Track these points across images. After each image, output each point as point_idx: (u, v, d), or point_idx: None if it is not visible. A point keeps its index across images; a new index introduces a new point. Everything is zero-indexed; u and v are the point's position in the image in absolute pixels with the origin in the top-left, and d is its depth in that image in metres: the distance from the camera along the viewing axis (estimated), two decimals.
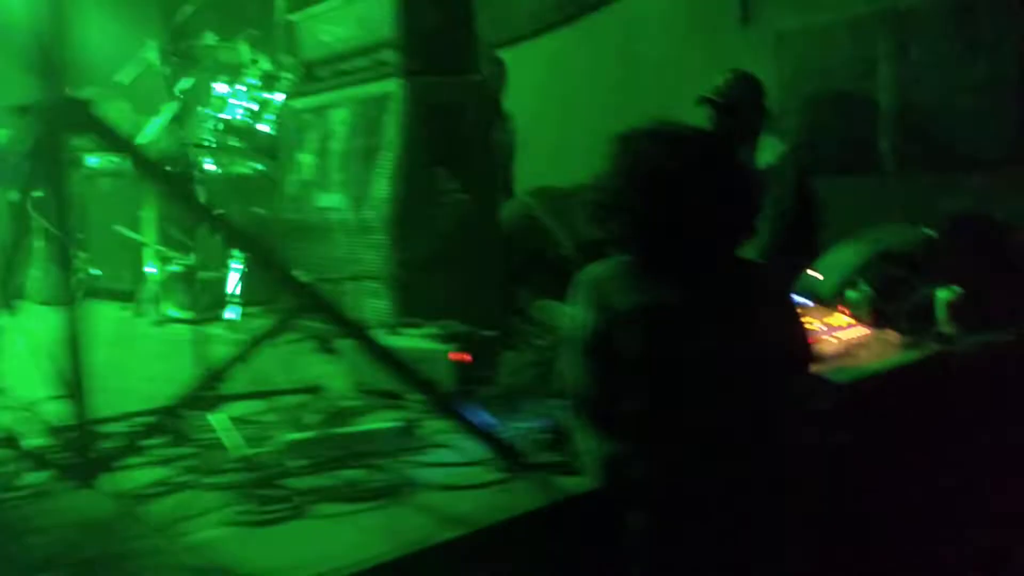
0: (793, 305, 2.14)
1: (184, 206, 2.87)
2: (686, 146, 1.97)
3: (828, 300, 3.51)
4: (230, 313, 4.24)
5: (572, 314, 2.04)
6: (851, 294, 3.48)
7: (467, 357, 2.80)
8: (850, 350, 3.03)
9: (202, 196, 4.67)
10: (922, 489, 2.53)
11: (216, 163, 4.97)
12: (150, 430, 2.24)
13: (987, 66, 4.26)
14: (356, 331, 2.19)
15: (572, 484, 2.11)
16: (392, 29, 3.40)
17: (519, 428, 2.39)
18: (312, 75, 3.95)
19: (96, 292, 5.11)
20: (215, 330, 3.78)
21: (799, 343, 2.05)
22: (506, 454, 2.19)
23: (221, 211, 2.86)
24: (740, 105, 4.20)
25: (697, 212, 1.95)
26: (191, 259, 4.73)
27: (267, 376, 3.14)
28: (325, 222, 3.66)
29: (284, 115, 4.37)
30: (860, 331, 3.18)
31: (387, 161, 3.35)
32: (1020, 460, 2.58)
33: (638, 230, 1.99)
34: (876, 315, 3.38)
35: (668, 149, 1.96)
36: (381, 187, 3.36)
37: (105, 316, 4.75)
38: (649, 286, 1.97)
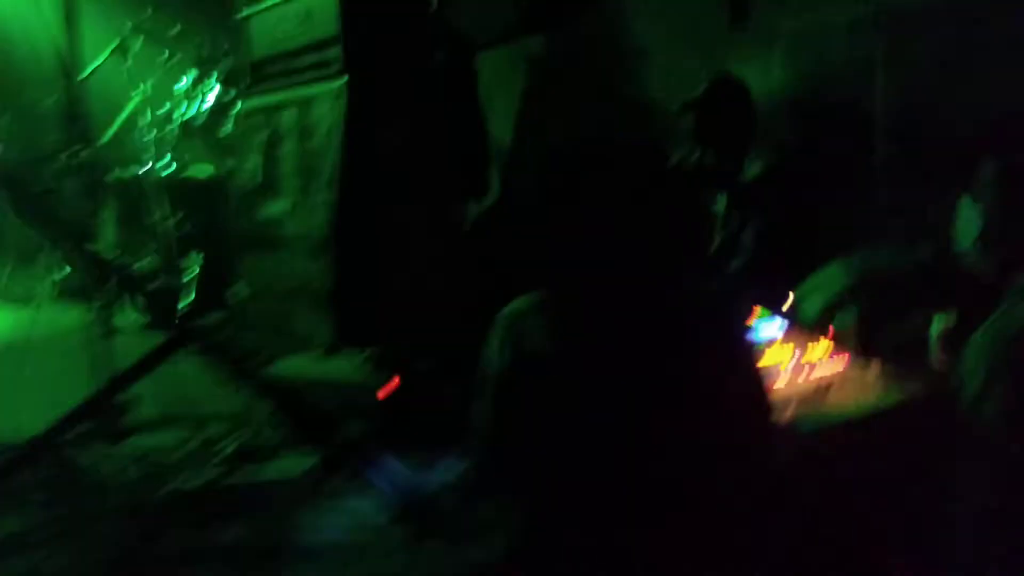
0: (749, 348, 1.85)
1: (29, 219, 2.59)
2: (620, 168, 1.70)
3: (812, 325, 3.21)
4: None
5: (486, 355, 1.77)
6: (838, 319, 3.18)
7: (395, 383, 2.53)
8: (823, 389, 2.71)
9: (162, 199, 4.48)
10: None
11: (177, 163, 4.73)
12: (14, 466, 1.96)
13: (988, 73, 3.95)
14: (243, 370, 1.91)
15: (483, 549, 1.82)
16: (336, 24, 3.12)
17: (437, 476, 2.10)
18: (262, 74, 3.68)
19: (67, 292, 4.91)
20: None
21: (748, 392, 1.76)
22: (413, 512, 1.90)
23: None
24: (725, 113, 3.92)
25: (628, 239, 1.68)
26: (145, 263, 4.53)
27: (193, 400, 2.88)
28: (269, 232, 3.38)
29: (237, 116, 4.11)
30: (839, 364, 2.87)
31: (329, 167, 3.07)
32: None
33: (562, 259, 1.72)
34: (864, 344, 3.07)
35: (598, 170, 1.69)
36: (322, 195, 3.09)
37: (62, 320, 4.54)
38: (568, 324, 1.69)
